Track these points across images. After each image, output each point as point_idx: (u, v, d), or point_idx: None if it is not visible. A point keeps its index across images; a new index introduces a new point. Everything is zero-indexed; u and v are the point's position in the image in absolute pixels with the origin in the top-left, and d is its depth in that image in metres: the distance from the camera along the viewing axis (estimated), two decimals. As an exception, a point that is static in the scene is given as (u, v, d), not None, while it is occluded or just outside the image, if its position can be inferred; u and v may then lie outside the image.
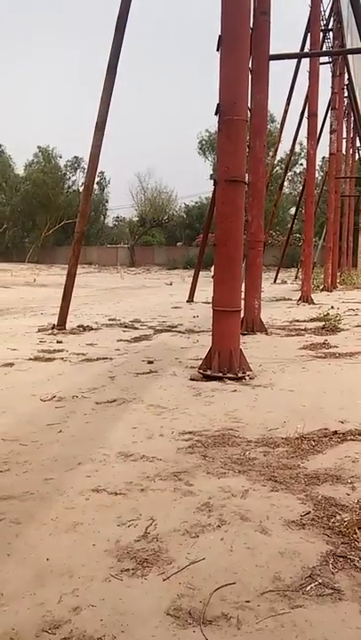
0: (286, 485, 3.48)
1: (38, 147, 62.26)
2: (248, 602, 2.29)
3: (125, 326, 11.88)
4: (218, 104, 6.84)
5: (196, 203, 60.86)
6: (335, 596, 2.34)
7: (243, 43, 6.93)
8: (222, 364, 6.70)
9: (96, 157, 10.82)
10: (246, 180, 7.27)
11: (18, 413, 5.10)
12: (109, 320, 12.92)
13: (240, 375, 6.64)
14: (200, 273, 19.05)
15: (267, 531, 2.90)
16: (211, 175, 57.00)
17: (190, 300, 18.92)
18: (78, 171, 63.16)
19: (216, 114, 6.92)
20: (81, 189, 52.38)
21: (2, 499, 3.26)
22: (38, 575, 2.48)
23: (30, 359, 7.82)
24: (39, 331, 10.65)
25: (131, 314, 14.44)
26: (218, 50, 6.89)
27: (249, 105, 8.57)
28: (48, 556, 2.65)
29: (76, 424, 4.79)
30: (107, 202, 64.49)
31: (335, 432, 4.53)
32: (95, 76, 63.47)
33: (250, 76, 8.71)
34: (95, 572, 2.51)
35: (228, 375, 6.61)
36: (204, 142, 59.49)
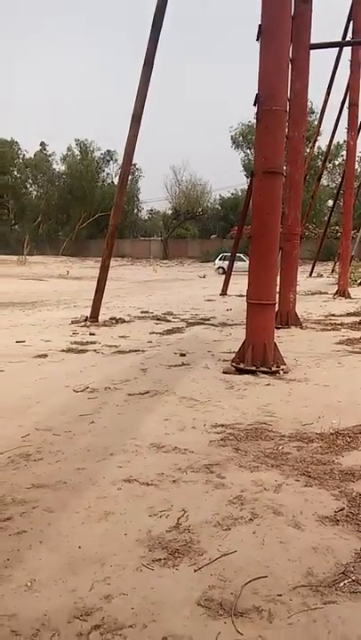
0: (320, 481, 3.42)
1: (76, 139, 62.93)
2: (280, 595, 2.26)
3: (158, 319, 11.91)
4: (257, 94, 6.74)
5: (232, 194, 60.40)
6: (370, 594, 2.28)
7: (283, 32, 6.78)
8: (256, 358, 6.64)
9: (132, 150, 10.82)
10: (284, 171, 7.17)
11: (51, 404, 5.16)
12: (142, 312, 12.97)
13: (274, 369, 6.57)
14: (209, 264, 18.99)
15: (300, 525, 2.86)
16: (244, 167, 56.46)
17: (224, 292, 18.85)
18: (112, 163, 63.55)
19: (255, 104, 6.82)
20: (115, 182, 52.49)
21: (35, 487, 3.31)
22: (70, 563, 2.51)
23: (63, 351, 7.91)
24: (72, 323, 10.77)
25: (163, 306, 14.47)
26: (258, 39, 6.77)
27: (288, 95, 8.43)
28: (80, 544, 2.67)
29: (108, 415, 4.82)
30: (137, 190, 64.17)
31: (371, 428, 4.43)
32: (126, 68, 63.66)
33: (290, 66, 8.56)
34: (127, 561, 2.52)
35: (262, 369, 6.55)
36: (237, 135, 58.80)
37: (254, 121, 7.38)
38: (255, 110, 6.86)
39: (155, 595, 2.27)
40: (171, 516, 2.94)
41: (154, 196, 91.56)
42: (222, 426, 4.53)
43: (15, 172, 63.05)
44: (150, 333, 9.76)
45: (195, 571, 2.44)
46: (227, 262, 22.75)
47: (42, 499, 3.15)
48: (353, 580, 2.37)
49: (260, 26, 6.73)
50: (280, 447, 4.04)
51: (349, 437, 4.23)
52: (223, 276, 21.27)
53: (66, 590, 2.30)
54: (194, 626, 2.09)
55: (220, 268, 39.81)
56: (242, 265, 23.29)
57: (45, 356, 7.48)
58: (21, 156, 64.01)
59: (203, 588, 2.32)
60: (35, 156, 64.18)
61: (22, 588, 2.31)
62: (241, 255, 25.77)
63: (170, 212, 63.49)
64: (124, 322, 11.24)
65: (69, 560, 2.53)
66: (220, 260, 41.47)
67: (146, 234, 66.91)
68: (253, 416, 4.83)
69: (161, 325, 10.88)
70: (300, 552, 2.61)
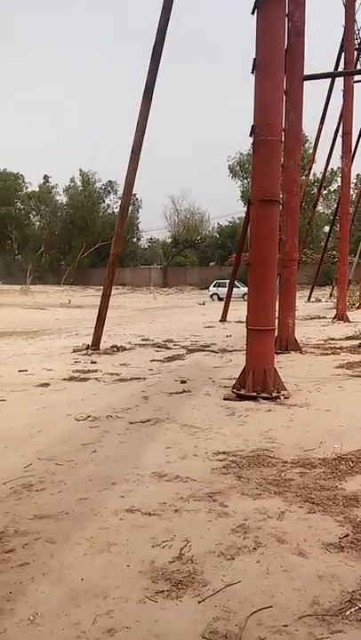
0: (324, 507, 3.40)
1: (80, 170, 64.23)
2: (286, 626, 2.23)
3: (158, 346, 11.93)
4: (252, 125, 6.90)
5: (230, 222, 61.06)
6: (376, 623, 2.25)
7: (277, 65, 6.99)
8: (256, 384, 6.64)
9: (132, 181, 11.00)
10: (280, 199, 7.27)
11: (53, 433, 5.15)
12: (142, 340, 12.99)
13: (275, 395, 6.56)
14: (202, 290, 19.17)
15: (304, 553, 2.83)
16: (241, 196, 57.22)
17: (223, 319, 18.90)
18: (112, 194, 64.56)
19: (251, 135, 6.98)
20: (115, 212, 53.20)
21: (38, 518, 3.29)
22: (73, 596, 2.48)
23: (65, 379, 7.91)
24: (74, 351, 10.79)
25: (164, 334, 14.50)
26: (253, 72, 6.97)
27: (283, 125, 8.61)
28: (83, 576, 2.64)
29: (110, 444, 4.80)
30: (137, 219, 64.93)
31: (374, 453, 4.41)
32: (128, 98, 65.21)
33: (284, 97, 8.75)
34: (130, 593, 2.49)
35: (263, 395, 6.54)
36: (234, 164, 59.58)
37: (251, 151, 7.52)
38: (251, 140, 7.00)
39: (158, 627, 2.24)
40: (174, 547, 2.92)
41: (153, 225, 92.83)
42: (224, 453, 4.51)
43: (19, 204, 64.11)
44: (151, 361, 9.77)
45: (199, 602, 2.42)
46: (220, 289, 22.74)
47: (44, 530, 3.13)
48: (360, 608, 2.34)
49: (254, 59, 6.93)
50: (283, 474, 4.02)
51: (352, 462, 4.21)
52: (220, 303, 21.34)
53: (69, 624, 2.28)
54: (199, 658, 2.06)
55: (214, 294, 40.12)
56: (236, 291, 23.44)
57: (47, 384, 7.48)
58: (25, 189, 65.23)
59: (207, 620, 2.29)
60: (38, 188, 65.37)
61: (25, 622, 2.28)
62: (235, 282, 26.01)
63: (169, 240, 64.19)
64: (125, 350, 11.25)
65: (72, 593, 2.50)
66: (213, 286, 41.73)
67: (146, 262, 67.43)
68: (255, 442, 4.81)
69: (162, 353, 10.89)
70: (305, 581, 2.58)
